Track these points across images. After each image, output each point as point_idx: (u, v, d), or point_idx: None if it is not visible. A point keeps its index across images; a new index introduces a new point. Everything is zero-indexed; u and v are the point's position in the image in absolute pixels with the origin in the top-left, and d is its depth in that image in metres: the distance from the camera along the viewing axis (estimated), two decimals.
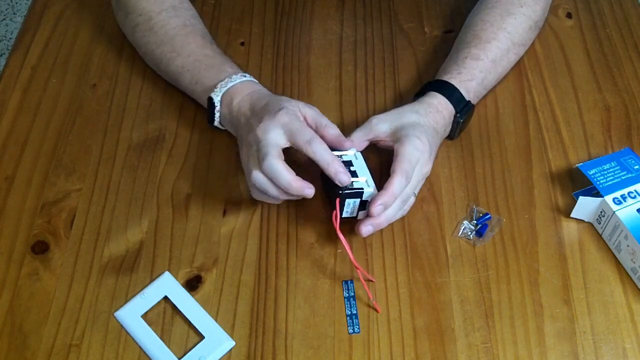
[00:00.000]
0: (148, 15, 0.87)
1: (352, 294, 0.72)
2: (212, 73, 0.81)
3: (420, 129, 0.75)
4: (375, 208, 0.70)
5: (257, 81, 0.81)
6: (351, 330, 0.70)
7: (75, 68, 0.93)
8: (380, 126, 0.77)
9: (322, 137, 0.72)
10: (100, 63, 0.93)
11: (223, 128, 0.82)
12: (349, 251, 0.70)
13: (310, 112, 0.74)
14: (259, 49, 0.95)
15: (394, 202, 0.71)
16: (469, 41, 0.85)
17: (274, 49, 0.95)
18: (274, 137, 0.71)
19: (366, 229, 0.71)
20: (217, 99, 0.79)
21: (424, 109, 0.78)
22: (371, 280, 0.73)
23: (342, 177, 0.70)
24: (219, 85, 0.79)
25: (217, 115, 0.80)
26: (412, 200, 0.75)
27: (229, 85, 0.79)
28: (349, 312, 0.71)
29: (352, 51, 0.95)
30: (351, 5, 1.00)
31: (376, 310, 0.71)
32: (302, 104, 0.75)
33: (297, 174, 0.70)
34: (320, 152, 0.70)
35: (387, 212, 0.71)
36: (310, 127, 0.74)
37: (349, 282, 0.73)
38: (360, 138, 0.77)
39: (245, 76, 0.80)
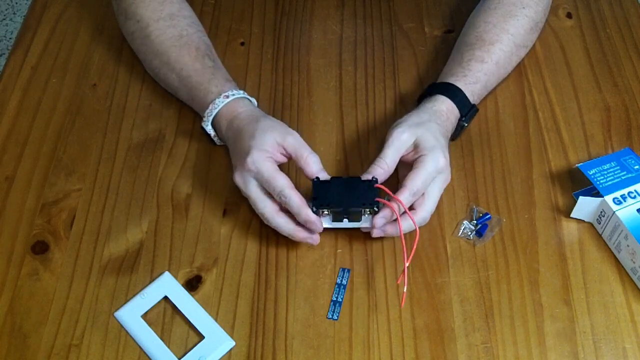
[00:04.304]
0: (145, 23, 0.86)
1: (345, 282, 0.72)
2: (201, 92, 0.81)
3: (439, 146, 0.73)
4: (377, 220, 0.71)
5: (240, 93, 0.80)
6: (330, 316, 0.70)
7: (75, 68, 0.93)
8: (405, 138, 0.73)
9: (302, 169, 0.73)
10: (100, 63, 0.93)
11: None
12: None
13: (292, 141, 0.73)
14: (259, 49, 0.95)
15: (395, 215, 0.71)
16: (473, 43, 0.85)
17: (274, 49, 0.95)
18: (252, 187, 0.72)
19: (377, 232, 0.73)
20: (209, 129, 0.80)
21: (441, 119, 0.77)
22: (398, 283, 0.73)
23: (312, 225, 0.71)
24: (205, 114, 0.79)
25: (216, 140, 0.82)
26: (426, 219, 0.74)
27: (214, 112, 0.79)
28: (335, 299, 0.71)
29: (352, 51, 0.95)
30: (351, 5, 1.00)
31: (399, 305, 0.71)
32: (281, 132, 0.73)
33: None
34: (291, 201, 0.70)
35: (387, 228, 0.73)
36: (290, 156, 0.74)
37: (346, 270, 0.73)
38: (394, 158, 0.73)
39: (227, 96, 0.79)
